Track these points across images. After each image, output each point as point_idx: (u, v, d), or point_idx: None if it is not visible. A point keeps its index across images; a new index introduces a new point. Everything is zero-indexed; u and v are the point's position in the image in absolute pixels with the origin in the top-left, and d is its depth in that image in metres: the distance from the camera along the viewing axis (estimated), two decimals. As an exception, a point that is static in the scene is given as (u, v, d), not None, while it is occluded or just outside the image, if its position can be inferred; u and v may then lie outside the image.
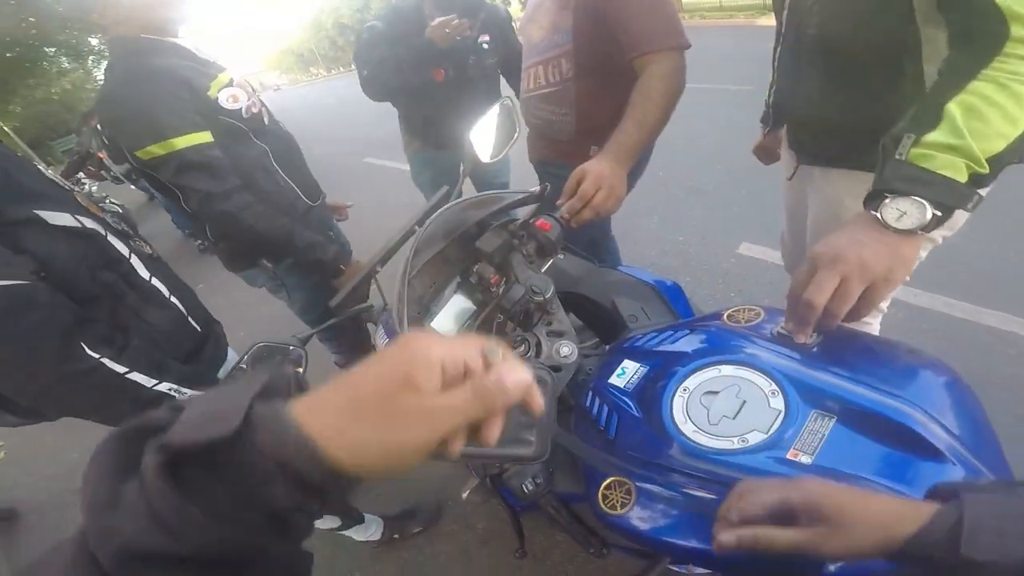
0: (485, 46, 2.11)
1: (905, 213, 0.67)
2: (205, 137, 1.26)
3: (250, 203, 1.33)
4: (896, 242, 0.67)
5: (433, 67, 2.02)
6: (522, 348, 0.83)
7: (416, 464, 0.35)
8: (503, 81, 2.30)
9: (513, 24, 2.23)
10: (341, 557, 1.86)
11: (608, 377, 0.79)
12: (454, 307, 1.03)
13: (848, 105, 1.01)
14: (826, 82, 1.03)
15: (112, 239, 1.00)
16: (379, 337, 0.89)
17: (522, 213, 1.08)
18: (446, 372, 0.35)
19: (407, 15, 1.95)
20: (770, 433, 0.62)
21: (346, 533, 1.67)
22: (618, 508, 0.67)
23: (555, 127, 1.54)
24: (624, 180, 1.09)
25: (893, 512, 0.46)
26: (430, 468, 2.10)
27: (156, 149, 1.22)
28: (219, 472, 0.30)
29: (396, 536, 1.83)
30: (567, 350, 0.83)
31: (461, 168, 1.14)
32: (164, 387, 0.97)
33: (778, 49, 1.16)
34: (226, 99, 1.31)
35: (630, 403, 0.74)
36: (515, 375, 0.37)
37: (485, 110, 2.10)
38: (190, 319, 1.13)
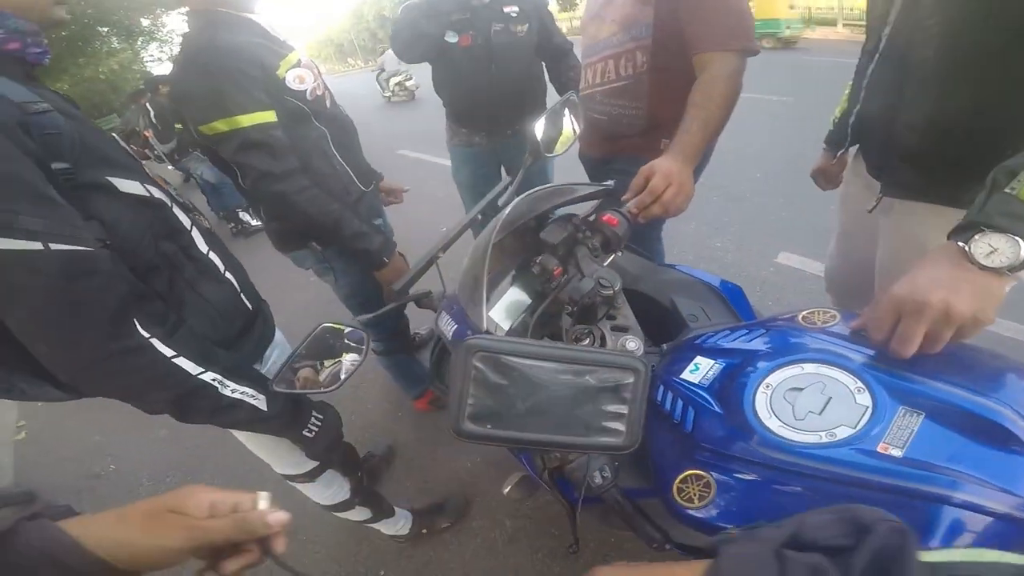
0: (513, 14, 2.11)
1: (996, 250, 0.63)
2: (269, 116, 1.28)
3: (305, 186, 1.34)
4: (982, 280, 0.63)
5: (455, 27, 2.07)
6: (587, 341, 0.82)
7: (164, 565, 0.50)
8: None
9: (554, 16, 2.27)
10: (365, 551, 1.86)
11: (680, 373, 0.78)
12: (509, 299, 1.02)
13: (961, 137, 0.94)
14: (937, 110, 0.95)
15: (176, 211, 1.00)
16: (445, 323, 0.89)
17: (579, 208, 1.07)
18: (215, 508, 0.50)
19: None
20: (858, 428, 0.62)
21: (375, 526, 1.66)
22: (696, 501, 0.66)
23: (623, 121, 1.54)
24: (691, 178, 1.08)
25: None
26: (458, 463, 2.11)
27: (221, 125, 1.23)
28: None
29: (424, 531, 1.82)
30: (633, 345, 0.82)
31: (510, 160, 1.13)
32: (209, 376, 0.94)
33: (870, 68, 1.08)
34: (293, 79, 1.32)
35: (708, 398, 0.74)
36: (277, 516, 0.52)
37: (519, 87, 2.18)
38: (242, 295, 1.12)
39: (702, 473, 0.67)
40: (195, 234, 1.02)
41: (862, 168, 1.22)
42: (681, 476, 0.69)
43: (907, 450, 0.58)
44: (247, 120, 1.24)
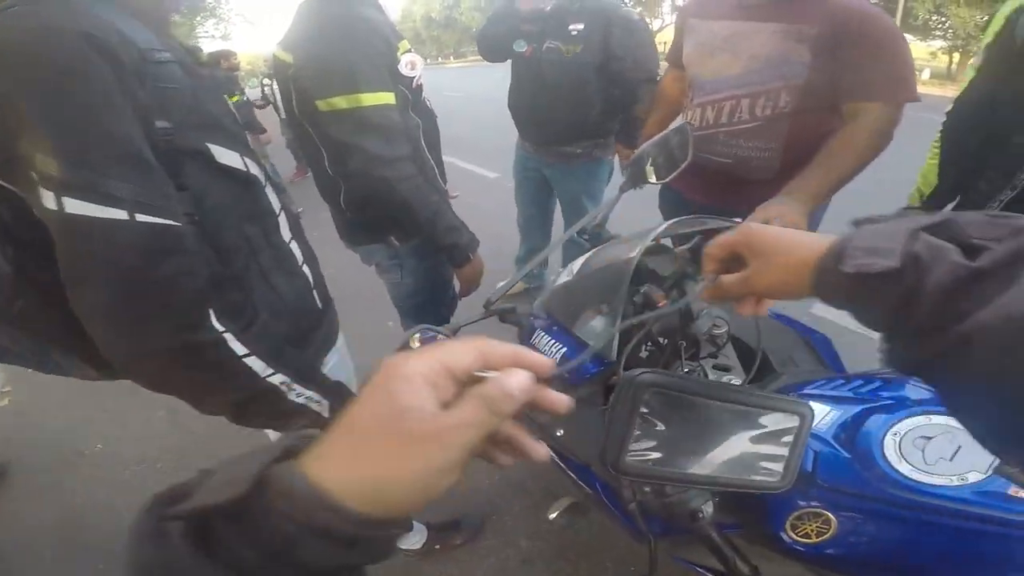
0: (574, 32, 2.07)
1: None
2: (390, 98, 1.24)
3: (412, 174, 1.30)
4: None
5: (525, 37, 2.15)
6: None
7: (442, 493, 0.32)
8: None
9: (639, 40, 2.15)
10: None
11: None
12: (592, 325, 1.01)
13: None
14: None
15: (268, 190, 0.91)
16: (545, 343, 0.87)
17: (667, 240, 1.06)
18: (436, 385, 0.32)
19: None
20: (989, 473, 0.65)
21: None
22: (813, 537, 0.70)
23: (752, 164, 1.41)
24: (804, 216, 1.07)
25: (806, 241, 0.46)
26: (475, 480, 2.02)
27: (341, 101, 1.20)
28: (245, 535, 0.29)
29: (437, 547, 1.73)
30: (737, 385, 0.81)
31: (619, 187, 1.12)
32: (277, 379, 0.84)
33: None
34: (405, 64, 1.30)
35: (831, 442, 0.76)
36: (515, 378, 0.33)
37: (559, 107, 2.20)
38: (314, 293, 1.03)
39: (821, 511, 0.70)
40: (282, 219, 0.94)
41: None
42: (796, 513, 0.71)
43: None
44: (369, 99, 1.20)
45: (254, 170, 0.86)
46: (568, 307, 0.89)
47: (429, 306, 1.71)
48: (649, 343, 0.95)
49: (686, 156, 1.13)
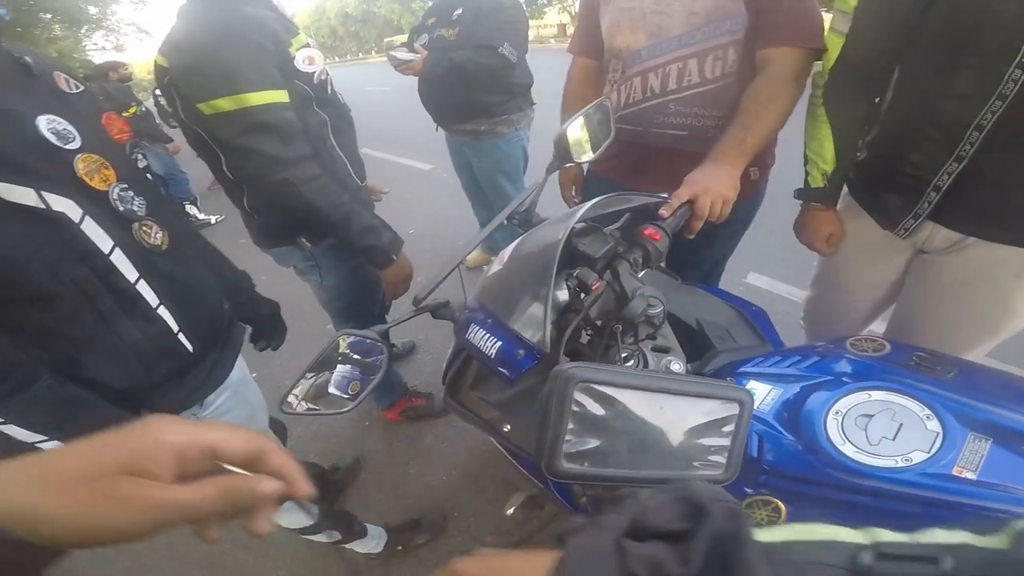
0: (454, 17, 2.17)
1: None
2: (282, 96, 1.18)
3: (315, 175, 1.24)
4: None
5: (428, 31, 2.29)
6: (632, 363, 0.78)
7: (129, 541, 0.34)
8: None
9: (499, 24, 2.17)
10: (333, 571, 1.74)
11: None
12: (529, 313, 0.97)
13: None
14: None
15: (88, 227, 0.80)
16: (480, 338, 0.81)
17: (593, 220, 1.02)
18: (186, 461, 0.34)
19: None
20: (932, 453, 0.65)
21: (348, 546, 1.57)
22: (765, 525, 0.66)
23: (708, 135, 1.28)
24: (730, 178, 1.03)
25: (524, 567, 0.43)
26: (433, 476, 2.03)
27: (224, 103, 1.12)
28: None
29: (399, 548, 1.72)
30: (677, 366, 0.79)
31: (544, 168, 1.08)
32: (52, 445, 0.78)
33: (982, 114, 0.88)
34: (302, 60, 1.23)
35: (774, 424, 0.74)
36: (269, 485, 0.36)
37: (440, 91, 2.31)
38: (181, 336, 0.94)
39: (770, 498, 0.68)
40: (117, 257, 0.84)
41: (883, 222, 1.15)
42: (746, 501, 0.69)
43: (980, 473, 0.62)
44: (257, 99, 1.13)
45: (59, 207, 0.77)
46: (501, 298, 0.84)
47: (358, 306, 1.66)
48: (588, 329, 0.92)
49: (609, 132, 1.10)
